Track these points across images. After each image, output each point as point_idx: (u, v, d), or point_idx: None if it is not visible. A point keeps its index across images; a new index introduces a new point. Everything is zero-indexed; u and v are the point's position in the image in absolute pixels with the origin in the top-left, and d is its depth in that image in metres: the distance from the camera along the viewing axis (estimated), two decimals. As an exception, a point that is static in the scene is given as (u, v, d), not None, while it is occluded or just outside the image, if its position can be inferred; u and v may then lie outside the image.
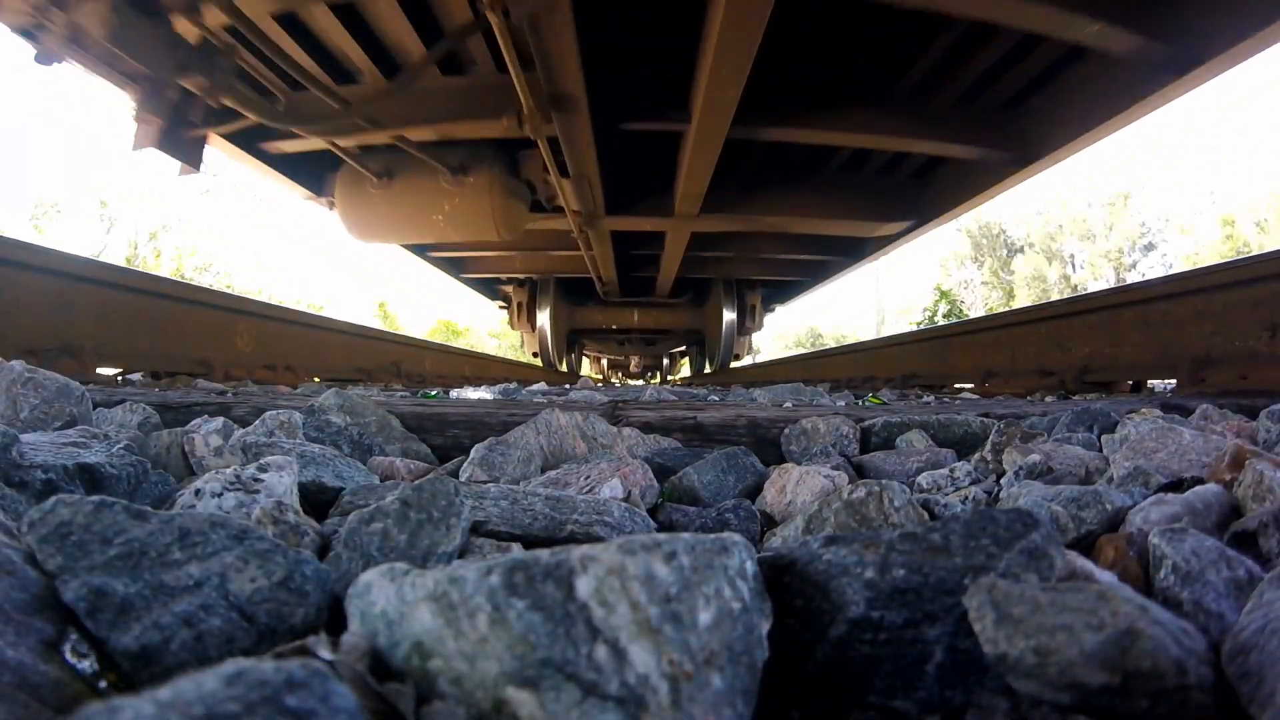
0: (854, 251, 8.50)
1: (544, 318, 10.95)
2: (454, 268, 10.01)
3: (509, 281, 11.25)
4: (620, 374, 19.54)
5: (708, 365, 12.61)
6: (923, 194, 6.57)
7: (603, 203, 5.84)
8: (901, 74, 4.70)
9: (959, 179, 5.94)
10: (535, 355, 11.74)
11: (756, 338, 13.37)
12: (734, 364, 11.88)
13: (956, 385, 4.81)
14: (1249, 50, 3.10)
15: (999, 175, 5.22)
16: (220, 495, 0.76)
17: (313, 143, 4.88)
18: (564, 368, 12.48)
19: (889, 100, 4.84)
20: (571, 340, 12.93)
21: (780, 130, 4.82)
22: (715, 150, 4.45)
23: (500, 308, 12.51)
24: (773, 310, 12.62)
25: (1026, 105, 4.76)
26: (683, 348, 15.12)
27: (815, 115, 4.73)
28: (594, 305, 11.63)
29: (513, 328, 12.08)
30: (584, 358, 16.51)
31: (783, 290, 11.71)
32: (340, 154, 4.97)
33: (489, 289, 12.00)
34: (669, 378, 17.92)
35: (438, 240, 6.00)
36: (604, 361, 18.81)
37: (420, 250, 8.86)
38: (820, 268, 9.66)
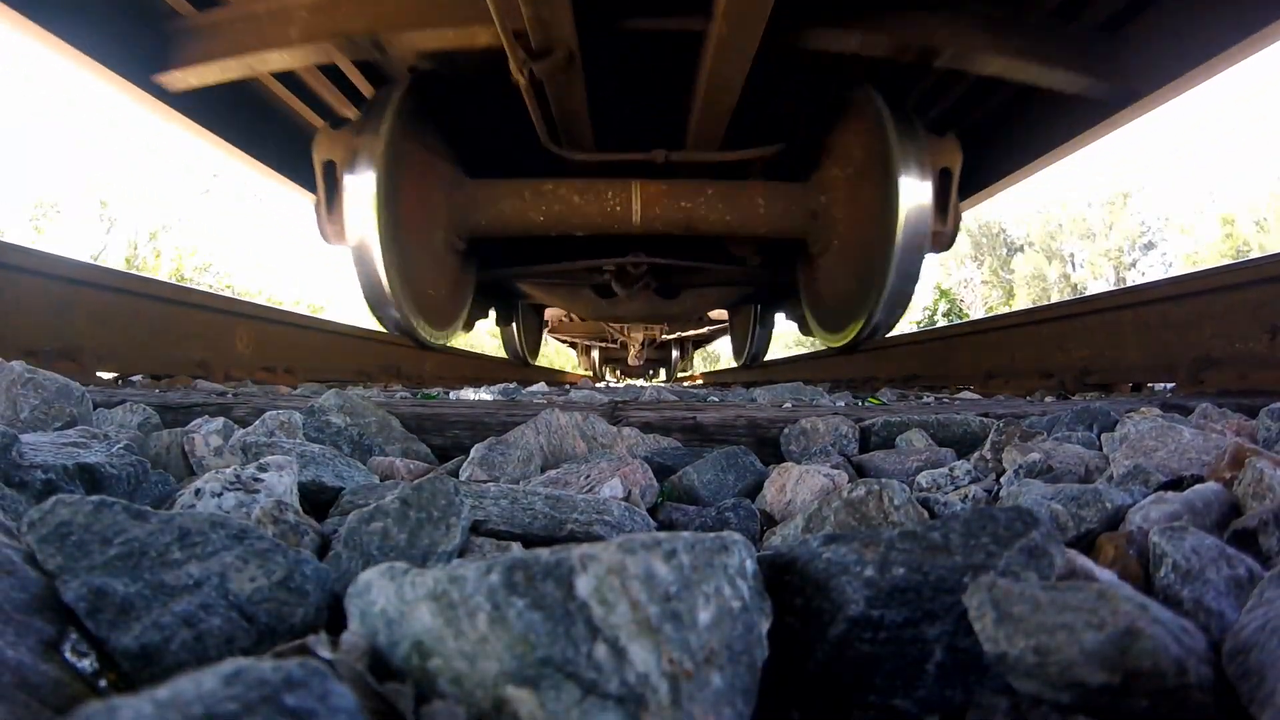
0: None
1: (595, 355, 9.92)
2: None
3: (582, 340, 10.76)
4: (618, 371, 18.62)
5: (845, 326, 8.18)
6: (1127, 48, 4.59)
7: None
8: None
9: (1048, 119, 4.87)
10: (587, 371, 12.07)
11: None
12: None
13: (956, 385, 4.81)
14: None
15: (1100, 113, 4.32)
16: (220, 495, 0.76)
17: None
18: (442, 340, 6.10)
19: (965, 6, 3.89)
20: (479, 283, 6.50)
21: (831, 34, 3.83)
22: None
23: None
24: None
25: (1129, 30, 4.00)
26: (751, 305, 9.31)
27: (879, 17, 3.81)
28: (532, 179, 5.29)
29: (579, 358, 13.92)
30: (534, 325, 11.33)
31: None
32: None
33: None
34: (684, 372, 16.03)
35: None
36: (594, 354, 16.80)
37: None
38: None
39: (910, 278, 4.61)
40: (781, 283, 6.64)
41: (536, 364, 11.47)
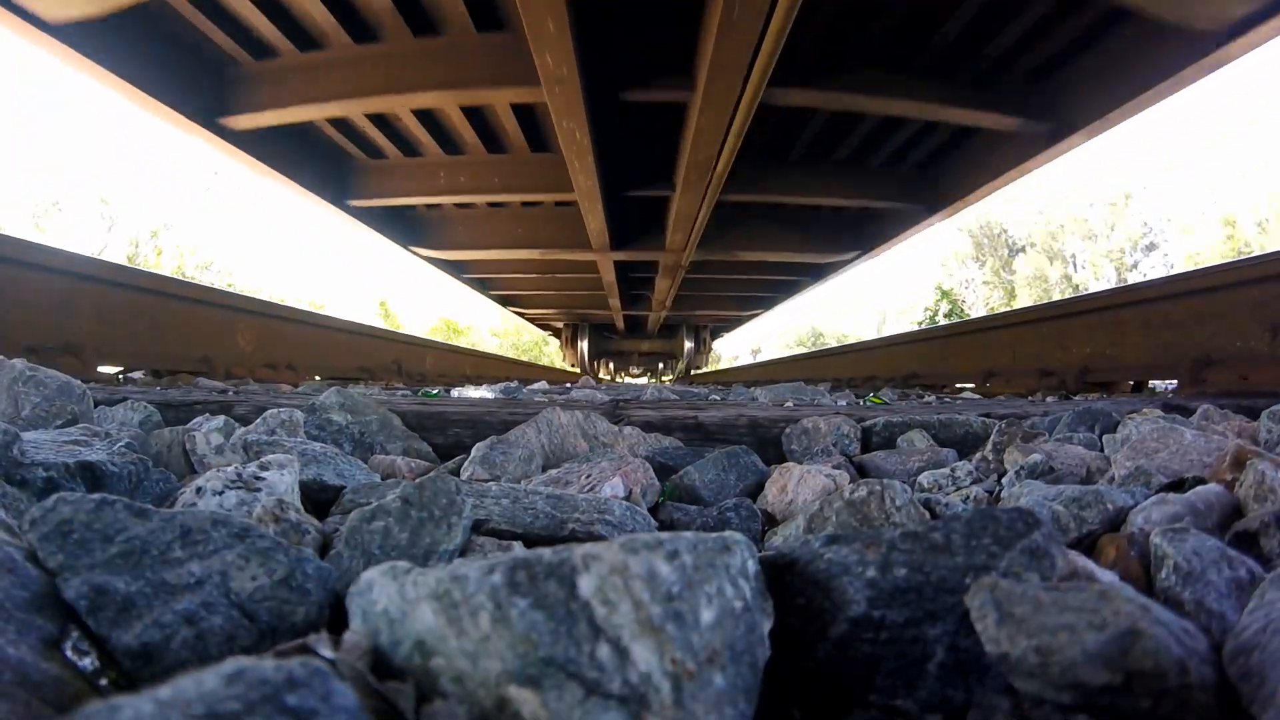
0: (817, 270, 9.83)
1: (583, 344, 15.86)
2: (483, 285, 12.00)
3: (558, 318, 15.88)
4: (624, 373, 22.83)
5: (672, 372, 18.20)
6: (939, 178, 6.41)
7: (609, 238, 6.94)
8: (928, 37, 4.44)
9: (981, 157, 5.76)
10: (572, 366, 16.37)
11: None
12: (703, 369, 17.47)
13: (958, 385, 4.81)
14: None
15: (1032, 149, 5.01)
16: (222, 493, 0.76)
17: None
18: (602, 375, 17.56)
19: (911, 66, 4.61)
20: (596, 357, 17.35)
21: (801, 94, 4.53)
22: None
23: (553, 336, 18.49)
24: (720, 338, 19.08)
25: (1059, 75, 4.59)
26: (662, 364, 20.03)
27: (836, 79, 4.49)
28: (611, 338, 16.92)
29: (561, 351, 17.18)
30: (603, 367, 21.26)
31: (726, 325, 16.67)
32: None
33: (480, 285, 13.71)
34: (663, 378, 21.08)
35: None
36: (612, 365, 22.44)
37: (458, 273, 10.52)
38: (787, 286, 11.37)
39: (690, 363, 16.64)
40: (671, 359, 17.69)
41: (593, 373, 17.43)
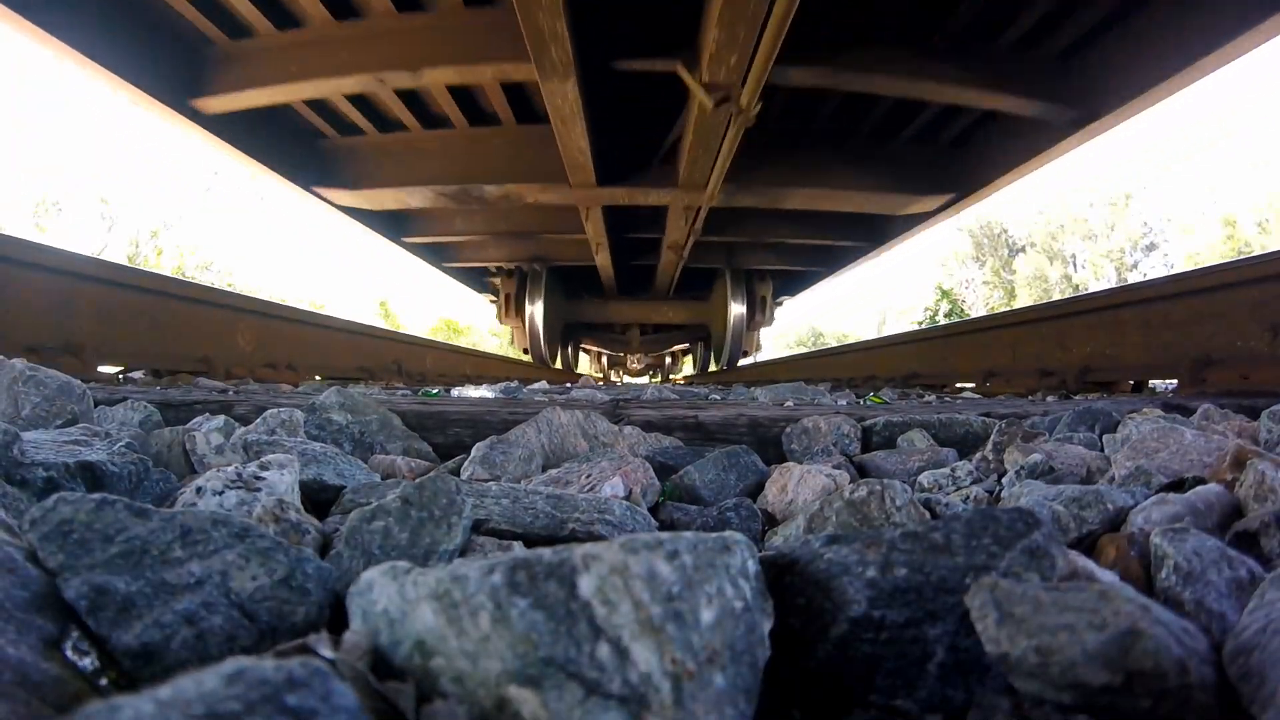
0: (879, 233, 7.89)
1: (535, 310, 9.81)
2: (435, 255, 9.56)
3: (497, 272, 10.44)
4: (620, 371, 19.00)
5: (712, 362, 11.83)
6: (966, 161, 6.00)
7: (593, 169, 5.09)
8: (949, 14, 4.20)
9: (1008, 142, 5.41)
10: (525, 351, 10.66)
11: (763, 333, 12.33)
12: (741, 361, 11.12)
13: (958, 385, 4.81)
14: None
15: (1058, 135, 4.77)
16: (222, 493, 0.76)
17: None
18: (558, 364, 11.63)
19: (933, 45, 4.33)
20: (567, 335, 12.21)
21: (812, 72, 4.22)
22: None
23: (490, 301, 11.77)
24: (781, 304, 11.86)
25: (1085, 57, 4.38)
26: (686, 345, 14.20)
27: (852, 56, 4.21)
28: (591, 298, 11.01)
29: (501, 322, 10.67)
30: (581, 353, 15.76)
31: (796, 281, 11.09)
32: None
33: (476, 281, 11.43)
34: (670, 377, 17.41)
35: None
36: (604, 359, 18.15)
37: (396, 235, 8.40)
38: (842, 253, 9.03)
39: (737, 344, 10.39)
40: (698, 340, 12.96)
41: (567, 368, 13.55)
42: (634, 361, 16.02)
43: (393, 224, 8.32)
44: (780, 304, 11.92)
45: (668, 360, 17.40)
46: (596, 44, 3.98)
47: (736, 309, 10.03)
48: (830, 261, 9.66)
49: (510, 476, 1.08)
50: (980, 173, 6.03)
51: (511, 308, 10.00)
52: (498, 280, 10.55)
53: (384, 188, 6.33)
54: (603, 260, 8.27)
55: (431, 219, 8.36)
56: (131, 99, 4.47)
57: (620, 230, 7.64)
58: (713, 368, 12.12)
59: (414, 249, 9.14)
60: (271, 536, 0.56)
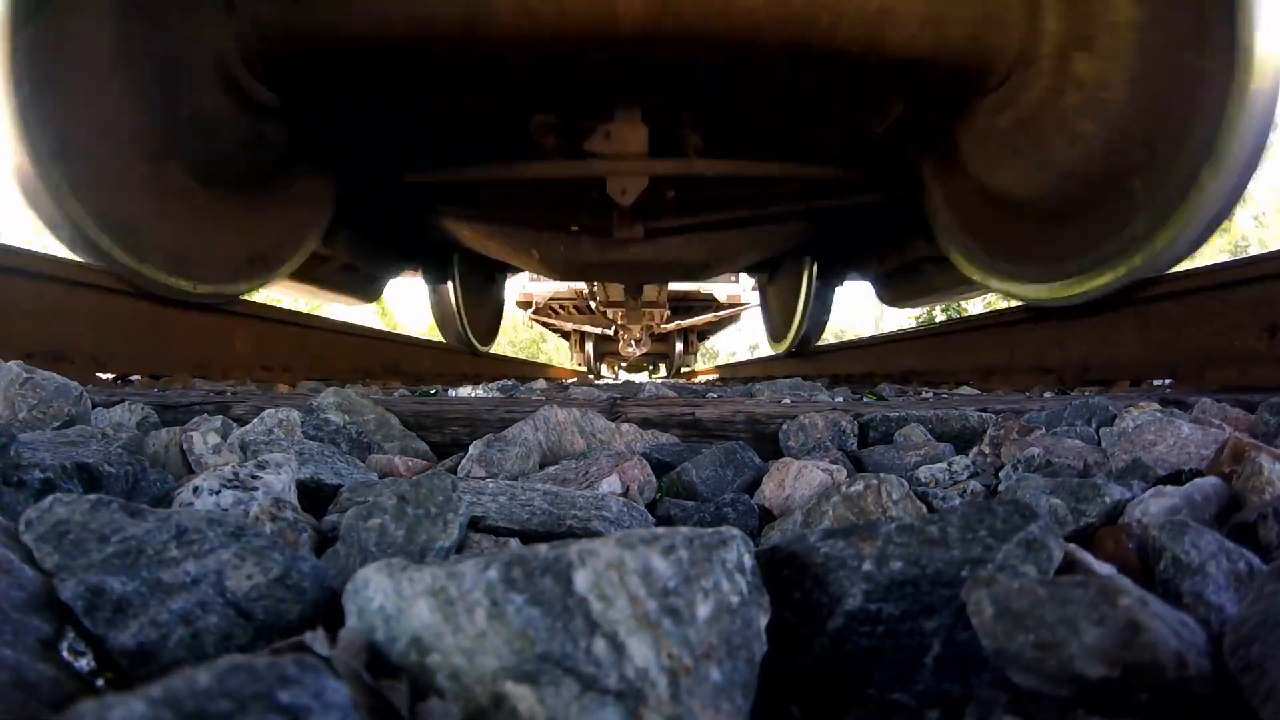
0: None
1: (589, 348, 9.23)
2: None
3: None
4: (615, 366, 17.67)
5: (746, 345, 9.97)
6: None
7: None
8: None
9: None
10: (580, 366, 11.59)
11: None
12: (693, 367, 10.61)
13: (955, 382, 4.81)
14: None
15: None
16: (218, 493, 0.76)
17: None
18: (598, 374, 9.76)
19: None
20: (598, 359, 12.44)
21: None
22: None
23: None
24: (707, 340, 14.72)
25: None
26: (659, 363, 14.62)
27: None
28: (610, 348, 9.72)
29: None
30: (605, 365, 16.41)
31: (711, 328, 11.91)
32: None
33: None
34: (686, 367, 15.28)
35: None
36: (589, 348, 15.79)
37: None
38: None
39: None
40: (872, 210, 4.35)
41: (491, 351, 8.73)
42: (630, 339, 12.90)
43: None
44: (706, 340, 13.17)
45: (678, 347, 15.17)
46: None
47: (679, 346, 9.16)
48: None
49: (507, 474, 1.08)
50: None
51: (576, 345, 9.44)
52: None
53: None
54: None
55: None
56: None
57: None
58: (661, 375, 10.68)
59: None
60: (267, 535, 0.56)
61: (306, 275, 4.54)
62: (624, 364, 17.68)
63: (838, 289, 7.00)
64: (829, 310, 7.33)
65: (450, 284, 6.92)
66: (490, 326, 8.44)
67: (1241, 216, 26.05)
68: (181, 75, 2.82)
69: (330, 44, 2.73)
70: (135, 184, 2.82)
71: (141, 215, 2.86)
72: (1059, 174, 2.97)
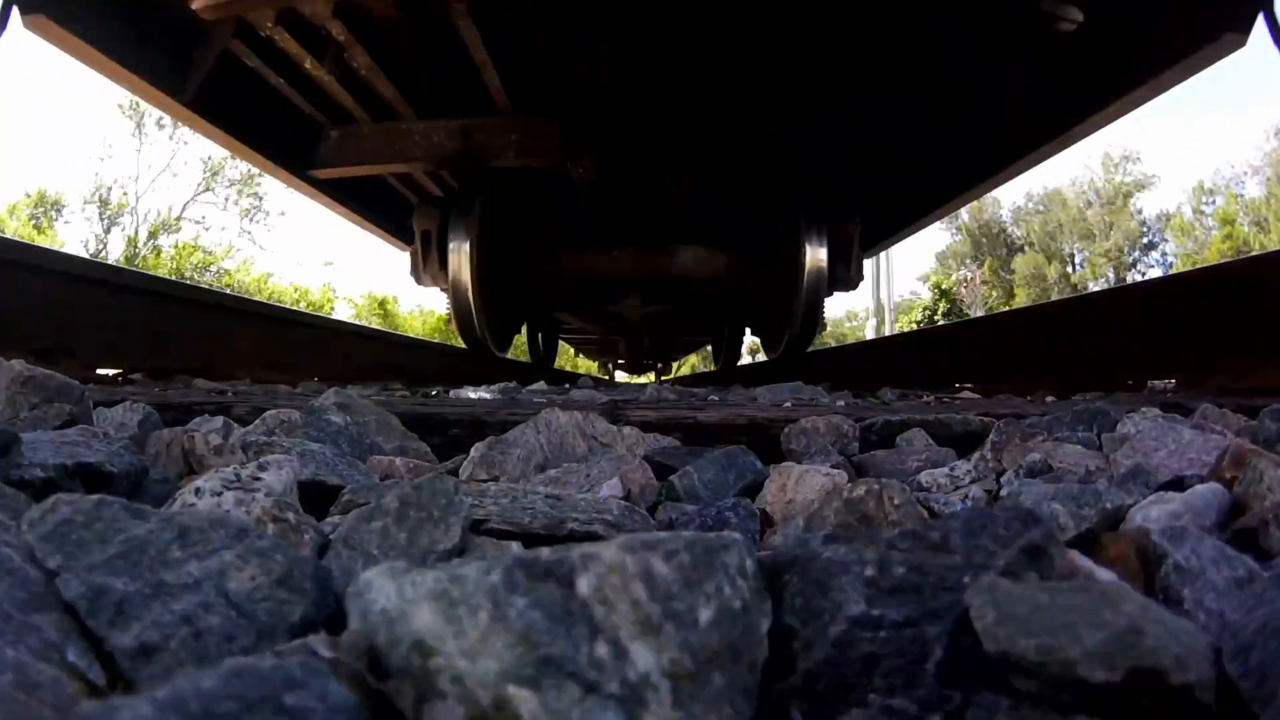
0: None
1: (461, 255, 5.83)
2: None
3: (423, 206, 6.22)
4: (610, 364, 16.54)
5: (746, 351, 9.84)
6: None
7: None
8: None
9: None
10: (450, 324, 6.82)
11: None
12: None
13: (957, 384, 4.81)
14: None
15: None
16: (220, 494, 0.76)
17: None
18: (497, 350, 6.95)
19: None
20: (522, 301, 7.45)
21: None
22: None
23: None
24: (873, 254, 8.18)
25: None
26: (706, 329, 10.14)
27: None
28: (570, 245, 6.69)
29: (418, 282, 6.42)
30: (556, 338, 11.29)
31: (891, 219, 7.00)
32: None
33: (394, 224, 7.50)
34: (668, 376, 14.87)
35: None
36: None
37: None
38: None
39: (814, 311, 6.11)
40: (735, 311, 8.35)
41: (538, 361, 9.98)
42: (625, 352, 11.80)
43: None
44: (871, 253, 7.97)
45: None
46: None
47: (815, 255, 5.77)
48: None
49: (509, 477, 1.08)
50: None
51: (432, 254, 6.01)
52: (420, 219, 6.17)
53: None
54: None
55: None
56: (263, 168, 5.94)
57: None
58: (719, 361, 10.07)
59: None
60: (270, 537, 0.56)
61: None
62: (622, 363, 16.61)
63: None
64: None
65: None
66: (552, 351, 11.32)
67: (1244, 220, 26.05)
68: None
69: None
70: None
71: None
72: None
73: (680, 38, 4.23)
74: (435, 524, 0.65)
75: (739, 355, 9.81)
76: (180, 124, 7.26)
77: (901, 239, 7.72)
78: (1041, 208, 31.52)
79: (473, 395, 2.94)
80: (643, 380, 13.25)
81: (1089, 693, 0.41)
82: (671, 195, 5.77)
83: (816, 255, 5.81)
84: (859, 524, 0.77)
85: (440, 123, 5.36)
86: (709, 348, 13.35)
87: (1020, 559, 0.49)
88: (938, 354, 5.48)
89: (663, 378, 14.70)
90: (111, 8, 4.06)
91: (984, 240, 32.11)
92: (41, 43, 3.80)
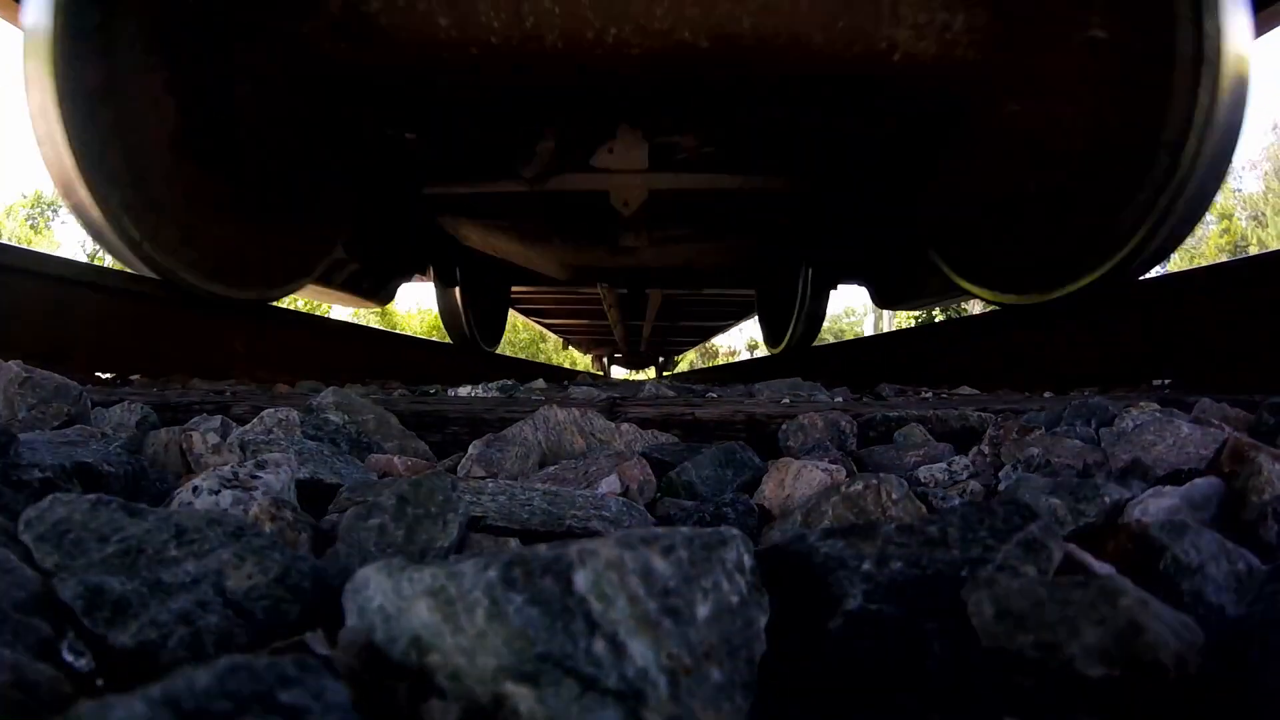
0: None
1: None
2: None
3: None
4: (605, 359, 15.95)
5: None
6: None
7: None
8: None
9: None
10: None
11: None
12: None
13: (956, 381, 4.81)
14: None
15: None
16: (218, 492, 0.76)
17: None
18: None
19: None
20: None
21: None
22: None
23: None
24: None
25: None
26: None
27: None
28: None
29: None
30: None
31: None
32: None
33: None
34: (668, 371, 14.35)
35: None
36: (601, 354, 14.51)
37: None
38: None
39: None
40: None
41: (497, 353, 8.31)
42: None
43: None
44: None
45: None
46: None
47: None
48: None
49: (507, 474, 1.08)
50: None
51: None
52: None
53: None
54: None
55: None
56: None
57: None
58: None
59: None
60: (267, 535, 0.56)
61: (325, 280, 4.82)
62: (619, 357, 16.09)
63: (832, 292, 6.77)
64: (824, 315, 7.13)
65: (457, 287, 6.82)
66: (496, 327, 8.43)
67: (1241, 216, 26.05)
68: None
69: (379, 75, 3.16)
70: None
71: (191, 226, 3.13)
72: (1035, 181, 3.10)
73: None
74: (433, 521, 0.65)
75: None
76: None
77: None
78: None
79: (471, 393, 2.94)
80: (641, 377, 12.79)
81: (1088, 688, 0.41)
82: None
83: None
84: (857, 519, 0.77)
85: None
86: (714, 337, 11.84)
87: (1018, 554, 0.49)
88: (936, 350, 5.49)
89: (664, 373, 14.08)
90: None
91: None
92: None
